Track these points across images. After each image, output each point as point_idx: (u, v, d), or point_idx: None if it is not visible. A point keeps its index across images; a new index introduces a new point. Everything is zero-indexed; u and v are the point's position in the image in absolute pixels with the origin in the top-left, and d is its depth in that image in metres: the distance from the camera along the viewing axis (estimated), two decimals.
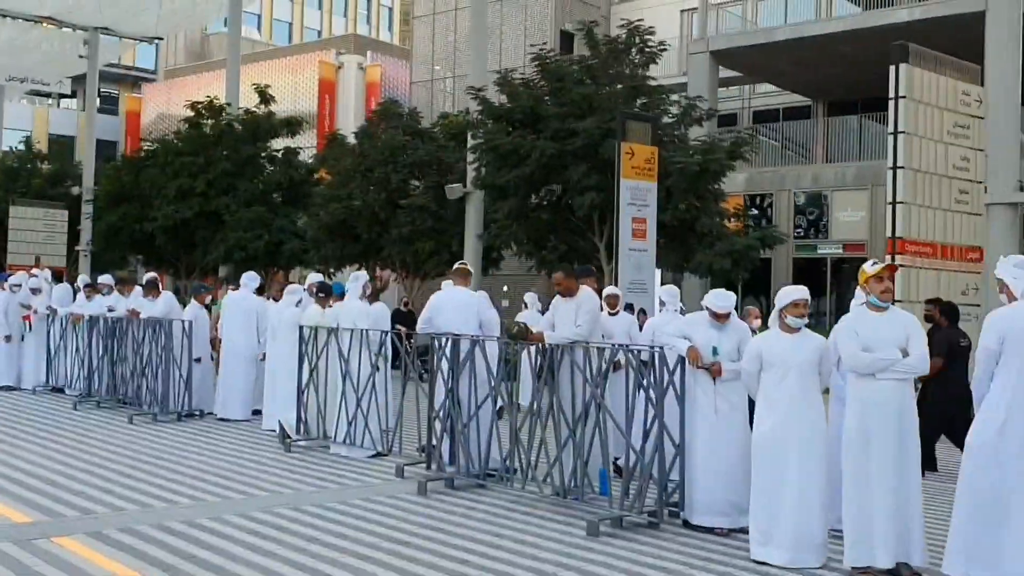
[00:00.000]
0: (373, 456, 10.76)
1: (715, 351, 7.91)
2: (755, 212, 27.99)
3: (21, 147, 41.10)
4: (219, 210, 26.93)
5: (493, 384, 9.17)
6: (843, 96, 30.56)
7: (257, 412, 13.46)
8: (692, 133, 19.96)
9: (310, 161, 28.19)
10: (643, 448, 7.95)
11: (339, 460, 10.70)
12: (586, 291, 9.28)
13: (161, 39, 41.41)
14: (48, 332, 16.55)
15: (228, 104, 28.99)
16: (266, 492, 8.95)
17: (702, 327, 8.07)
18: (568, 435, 8.45)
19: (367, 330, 10.79)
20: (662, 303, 11.22)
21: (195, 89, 49.21)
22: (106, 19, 35.47)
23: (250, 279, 13.74)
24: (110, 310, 15.23)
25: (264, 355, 13.32)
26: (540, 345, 8.90)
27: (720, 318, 8.02)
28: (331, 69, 43.93)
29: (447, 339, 9.44)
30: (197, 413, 13.55)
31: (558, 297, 9.32)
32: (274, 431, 12.03)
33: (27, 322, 16.57)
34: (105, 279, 15.92)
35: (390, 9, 69.39)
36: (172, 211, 27.05)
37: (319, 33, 65.05)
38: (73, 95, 62.90)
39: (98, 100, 62.66)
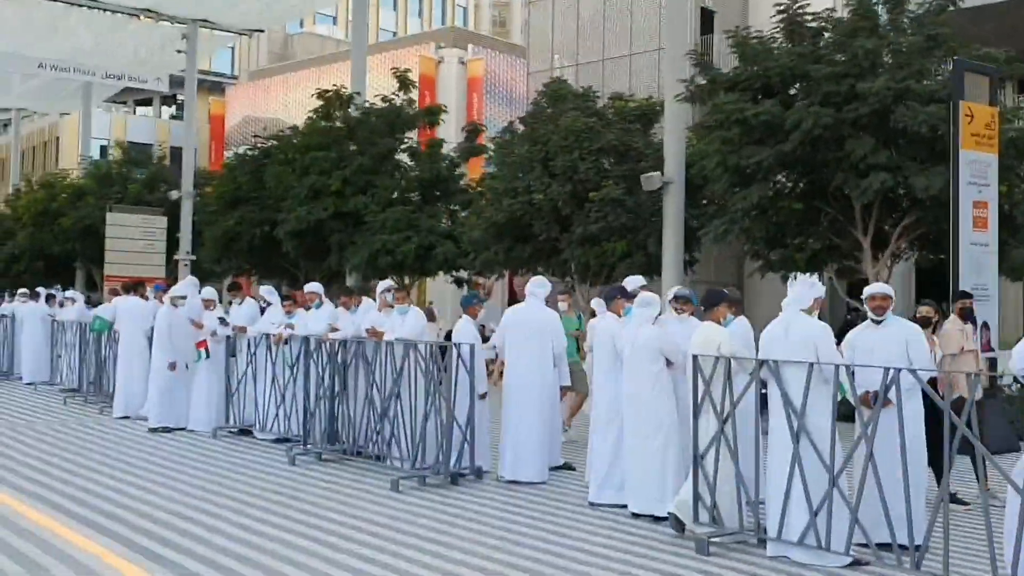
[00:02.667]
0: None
1: None
2: None
3: (111, 154, 37.90)
4: (357, 210, 23.29)
5: None
6: None
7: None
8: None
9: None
10: None
11: None
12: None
13: (262, 31, 37.89)
14: (228, 360, 12.96)
15: (357, 94, 25.32)
16: None
17: None
18: None
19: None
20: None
21: (282, 91, 45.91)
22: (205, 10, 32.06)
23: (539, 286, 9.94)
24: (289, 327, 11.71)
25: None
26: None
27: None
28: (431, 64, 40.24)
29: None
30: (467, 471, 9.79)
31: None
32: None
33: (201, 349, 12.90)
34: (314, 288, 12.20)
35: (475, 5, 66.14)
36: (305, 212, 23.40)
37: (393, 33, 61.67)
38: (148, 102, 59.91)
39: (174, 107, 59.91)
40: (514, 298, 34.61)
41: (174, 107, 58.96)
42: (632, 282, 9.21)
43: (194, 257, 31.86)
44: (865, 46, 14.16)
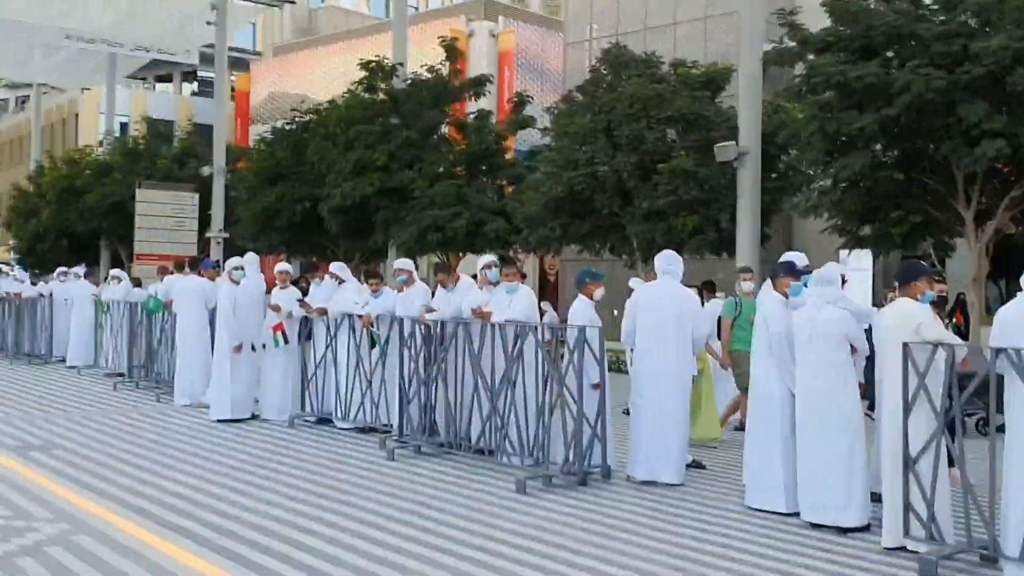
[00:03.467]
0: None
1: None
2: None
3: (135, 130, 36.68)
4: (404, 186, 22.17)
5: None
6: None
7: None
8: None
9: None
10: None
11: None
12: None
13: (292, 2, 36.59)
14: (303, 344, 11.89)
15: (400, 65, 24.12)
16: None
17: None
18: None
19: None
20: None
21: (307, 66, 44.65)
22: None
23: (673, 262, 8.80)
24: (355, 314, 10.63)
25: None
26: None
27: None
28: (461, 37, 38.88)
29: None
30: (596, 471, 8.67)
31: None
32: None
33: (278, 333, 11.78)
34: (404, 264, 11.02)
35: None
36: (351, 188, 22.26)
37: (415, 9, 60.24)
38: (168, 79, 58.65)
39: (196, 83, 58.67)
40: (544, 278, 33.47)
41: (196, 83, 57.75)
42: (798, 258, 8.08)
43: (227, 235, 30.82)
44: (980, 1, 12.97)
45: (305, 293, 12.11)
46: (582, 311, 8.74)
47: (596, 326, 8.47)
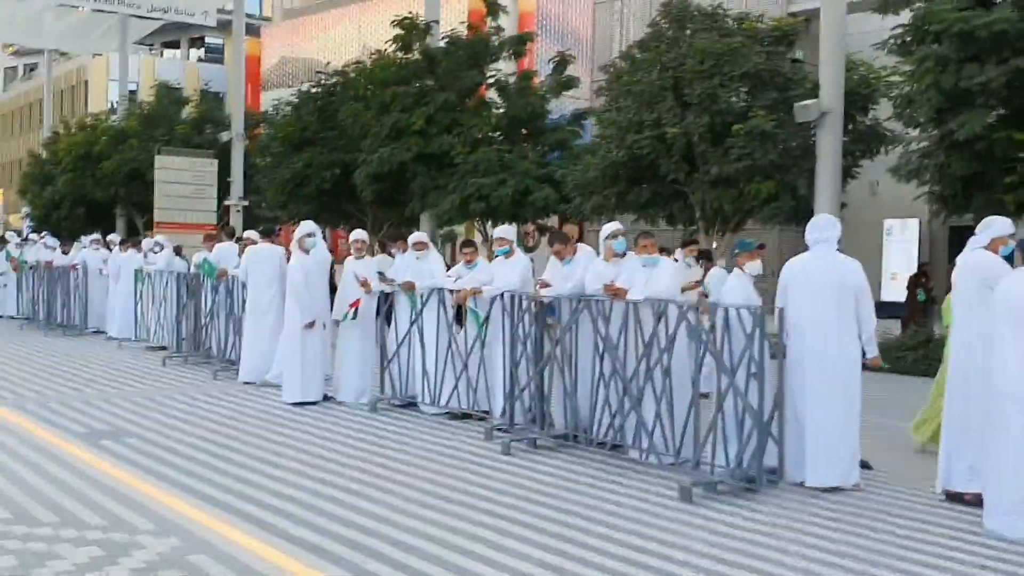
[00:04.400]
0: None
1: None
2: None
3: (149, 96, 35.14)
4: (443, 152, 20.88)
5: None
6: None
7: None
8: None
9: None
10: None
11: None
12: None
13: None
14: (381, 320, 10.67)
15: (436, 22, 22.73)
16: None
17: None
18: None
19: None
20: None
21: (319, 30, 43.10)
22: None
23: (830, 227, 7.59)
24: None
25: None
26: None
27: None
28: None
29: None
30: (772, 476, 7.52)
31: None
32: None
33: (352, 309, 10.53)
34: (504, 232, 9.77)
35: None
36: (388, 153, 20.96)
37: None
38: (176, 45, 56.92)
39: (203, 50, 56.98)
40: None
41: (203, 49, 56.09)
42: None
43: (247, 203, 29.55)
44: None
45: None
46: (738, 286, 7.54)
47: (754, 305, 7.26)
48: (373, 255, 12.93)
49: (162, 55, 55.57)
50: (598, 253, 8.92)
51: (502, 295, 9.03)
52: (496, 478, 7.43)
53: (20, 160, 57.76)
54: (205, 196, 30.02)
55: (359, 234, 11.02)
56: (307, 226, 11.22)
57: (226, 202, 29.63)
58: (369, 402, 10.42)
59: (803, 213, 16.30)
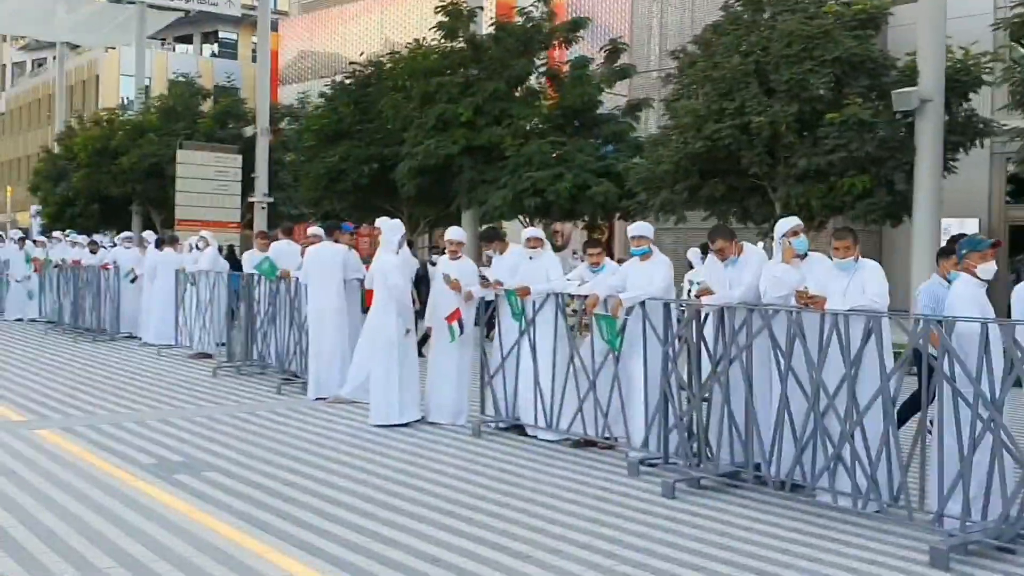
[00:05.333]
0: None
1: None
2: None
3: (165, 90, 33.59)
4: (493, 143, 19.43)
5: None
6: None
7: None
8: None
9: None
10: None
11: None
12: None
13: None
14: (481, 331, 9.20)
15: (480, 8, 21.26)
16: None
17: None
18: None
19: None
20: None
21: (339, 23, 41.59)
22: None
23: None
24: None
25: None
26: None
27: None
28: None
29: None
30: None
31: None
32: None
33: (454, 322, 9.04)
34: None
35: None
36: (434, 146, 19.50)
37: None
38: (188, 39, 55.41)
39: (216, 44, 55.44)
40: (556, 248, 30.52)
41: (216, 44, 54.57)
42: None
43: (271, 199, 28.10)
44: None
45: None
46: (966, 294, 6.09)
47: (990, 320, 5.82)
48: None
49: (174, 50, 54.02)
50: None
51: (643, 303, 7.58)
52: (672, 530, 5.99)
53: (28, 157, 56.24)
54: (229, 192, 28.63)
55: (457, 233, 9.52)
56: (393, 224, 9.75)
57: (250, 199, 28.20)
58: (472, 425, 8.94)
59: (900, 209, 14.98)
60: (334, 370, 10.49)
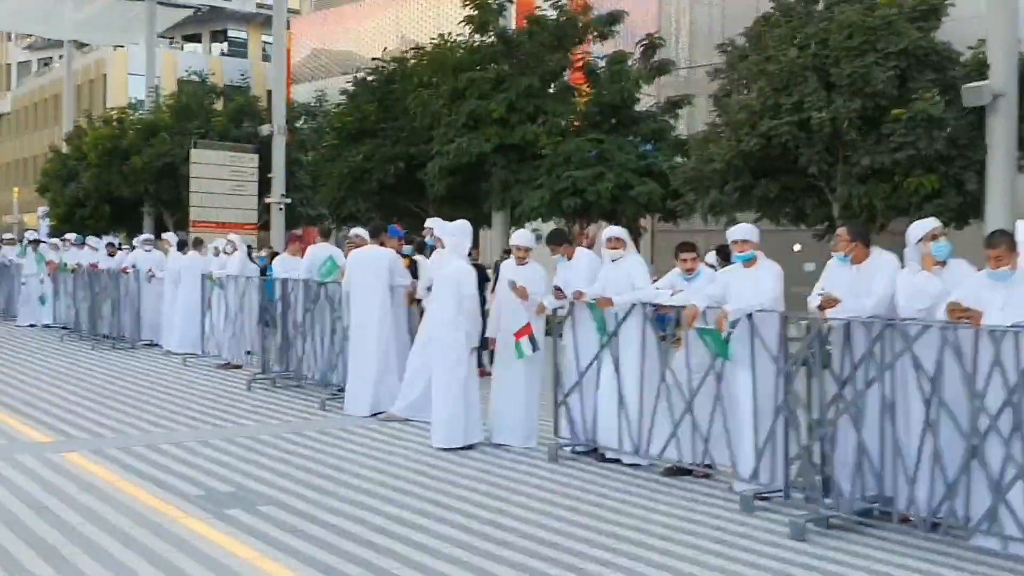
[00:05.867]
0: None
1: None
2: None
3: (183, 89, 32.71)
4: (528, 141, 18.60)
5: None
6: None
7: None
8: None
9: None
10: None
11: None
12: None
13: None
14: (555, 345, 8.33)
15: (510, 1, 20.42)
16: None
17: None
18: None
19: None
20: None
21: (354, 21, 40.77)
22: None
23: None
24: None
25: None
26: None
27: None
28: None
29: None
30: None
31: None
32: None
33: (523, 338, 8.16)
34: (742, 233, 7.30)
35: None
36: (466, 144, 18.67)
37: None
38: (197, 38, 54.61)
39: (225, 43, 54.65)
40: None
41: (226, 43, 53.78)
42: None
43: (288, 200, 27.25)
44: None
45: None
46: None
47: None
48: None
49: (183, 49, 53.24)
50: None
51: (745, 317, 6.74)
52: None
53: (35, 157, 55.42)
54: (245, 193, 27.79)
55: (523, 238, 8.62)
56: (461, 227, 8.92)
57: (266, 200, 27.35)
58: (547, 449, 8.08)
59: (970, 211, 14.13)
60: (384, 384, 9.63)
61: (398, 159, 21.13)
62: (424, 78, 20.57)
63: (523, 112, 18.86)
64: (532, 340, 8.11)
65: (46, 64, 59.02)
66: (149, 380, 12.08)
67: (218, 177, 27.45)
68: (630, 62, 19.00)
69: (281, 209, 27.19)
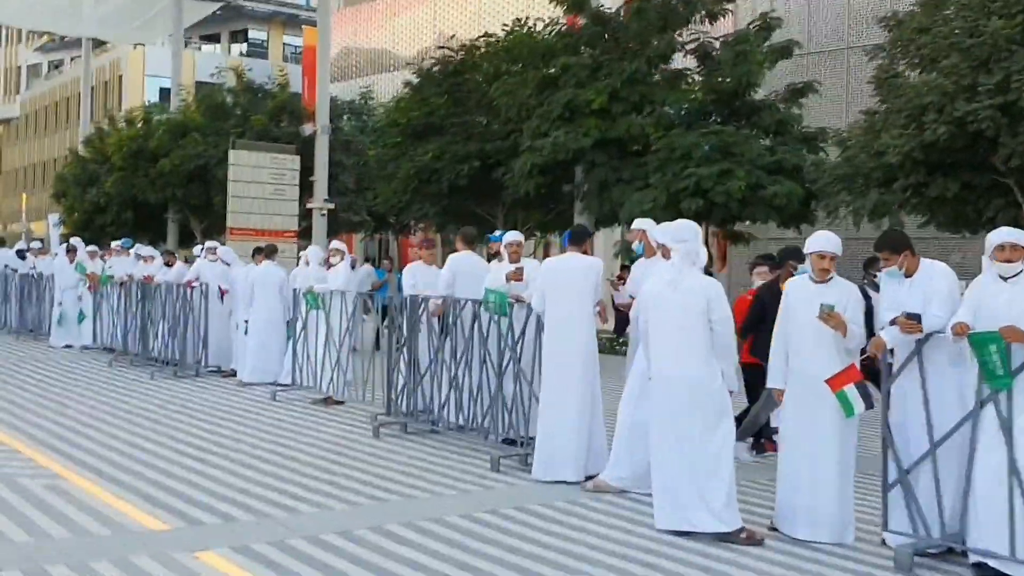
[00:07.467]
0: None
1: None
2: None
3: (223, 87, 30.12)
4: (632, 134, 16.21)
5: None
6: None
7: None
8: None
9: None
10: None
11: None
12: None
13: None
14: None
15: None
16: None
17: None
18: None
19: None
20: None
21: (387, 17, 38.39)
22: None
23: None
24: None
25: None
26: None
27: None
28: None
29: None
30: None
31: None
32: None
33: None
34: None
35: None
36: (562, 138, 16.26)
37: None
38: (216, 39, 52.26)
39: (245, 44, 52.28)
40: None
41: (245, 44, 51.40)
42: None
43: (332, 205, 24.77)
44: None
45: None
46: None
47: None
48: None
49: (200, 49, 50.88)
50: None
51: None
52: None
53: (45, 163, 52.93)
54: (285, 197, 25.22)
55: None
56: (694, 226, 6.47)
57: (308, 204, 24.87)
58: (894, 555, 5.59)
59: None
60: (594, 440, 7.16)
61: (472, 157, 18.71)
62: (501, 67, 18.20)
63: (627, 101, 16.45)
64: (862, 390, 5.62)
65: (57, 67, 56.56)
66: (247, 425, 9.56)
67: (257, 180, 24.94)
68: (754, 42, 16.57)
69: (324, 215, 24.74)
